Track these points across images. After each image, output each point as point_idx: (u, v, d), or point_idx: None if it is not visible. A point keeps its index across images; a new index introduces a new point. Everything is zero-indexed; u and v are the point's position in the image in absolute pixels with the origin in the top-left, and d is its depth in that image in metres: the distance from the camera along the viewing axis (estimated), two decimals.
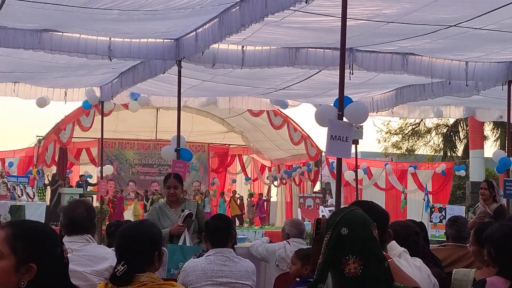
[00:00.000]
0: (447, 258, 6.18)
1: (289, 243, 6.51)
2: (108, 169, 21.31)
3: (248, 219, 31.58)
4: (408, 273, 3.16)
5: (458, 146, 35.22)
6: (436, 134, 35.51)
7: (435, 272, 3.94)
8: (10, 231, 2.60)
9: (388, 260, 2.80)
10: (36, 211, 23.81)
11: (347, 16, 8.02)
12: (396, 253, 3.75)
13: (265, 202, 32.49)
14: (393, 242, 3.76)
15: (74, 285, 2.69)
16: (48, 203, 24.94)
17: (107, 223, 25.19)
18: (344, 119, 6.73)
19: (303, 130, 29.51)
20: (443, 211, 26.51)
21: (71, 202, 4.80)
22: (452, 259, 6.20)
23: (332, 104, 7.02)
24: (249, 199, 32.05)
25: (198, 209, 7.34)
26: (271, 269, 6.50)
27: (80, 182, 27.33)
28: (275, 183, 34.41)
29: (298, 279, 5.51)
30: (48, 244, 2.59)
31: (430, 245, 11.20)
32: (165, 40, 10.55)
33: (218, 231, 4.82)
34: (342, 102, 6.69)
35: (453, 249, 6.30)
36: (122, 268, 3.39)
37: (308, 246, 6.54)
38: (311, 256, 2.89)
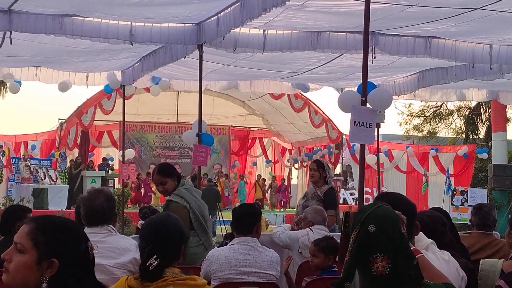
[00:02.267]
0: (472, 246, 6.12)
1: (312, 230, 6.47)
2: (130, 153, 21.37)
3: (269, 202, 31.57)
4: (436, 267, 3.11)
5: (480, 129, 34.92)
6: (458, 116, 35.20)
7: (462, 263, 3.89)
8: (33, 225, 2.59)
9: (417, 256, 2.75)
10: (58, 194, 24.03)
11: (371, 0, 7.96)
12: (424, 245, 3.70)
13: (286, 188, 32.50)
14: (421, 234, 3.70)
15: (99, 282, 2.67)
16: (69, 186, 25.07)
17: (128, 206, 25.40)
18: (368, 105, 6.67)
19: (324, 113, 29.43)
20: (465, 194, 26.37)
21: (90, 192, 4.72)
22: (477, 247, 6.15)
23: (355, 90, 6.93)
24: (273, 182, 32.02)
25: (170, 206, 6.42)
26: (295, 256, 6.46)
27: (103, 165, 27.45)
28: (296, 165, 34.38)
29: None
30: (71, 239, 2.57)
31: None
32: (186, 25, 10.50)
33: (244, 219, 4.78)
34: (365, 88, 6.63)
35: (478, 237, 6.24)
36: (156, 262, 3.28)
37: (328, 234, 6.53)
38: (339, 249, 2.85)
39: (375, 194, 18.38)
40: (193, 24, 10.49)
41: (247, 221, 4.77)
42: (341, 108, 6.95)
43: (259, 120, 33.39)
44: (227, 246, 4.72)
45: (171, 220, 3.48)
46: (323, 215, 6.60)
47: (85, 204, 4.59)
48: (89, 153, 29.24)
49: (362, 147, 6.82)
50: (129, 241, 4.51)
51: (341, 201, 26.59)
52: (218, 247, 5.47)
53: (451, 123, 35.70)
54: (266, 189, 31.81)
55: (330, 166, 9.10)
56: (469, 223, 6.56)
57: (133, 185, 28.68)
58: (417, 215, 4.21)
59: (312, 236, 6.35)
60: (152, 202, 27.05)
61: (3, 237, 5.68)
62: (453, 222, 5.63)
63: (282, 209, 30.66)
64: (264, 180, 31.99)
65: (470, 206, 26.03)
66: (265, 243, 6.69)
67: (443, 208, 21.33)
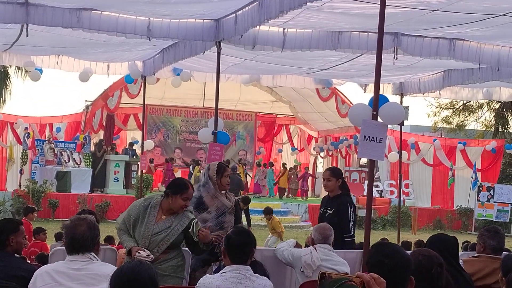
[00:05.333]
0: (481, 270, 5.94)
1: (315, 249, 6.30)
2: (149, 144, 21.37)
3: (287, 188, 31.16)
4: None
5: (510, 123, 34.36)
6: (488, 109, 34.66)
7: None
8: None
9: None
10: (81, 177, 24.16)
11: (390, 4, 7.75)
12: None
13: (310, 177, 32.23)
14: None
15: None
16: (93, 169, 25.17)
17: (153, 190, 25.45)
18: (379, 119, 6.48)
19: (351, 103, 29.14)
20: (491, 190, 26.05)
21: (73, 219, 4.61)
22: (486, 272, 5.95)
23: (367, 103, 6.75)
24: (296, 170, 31.75)
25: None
26: (296, 275, 6.30)
27: (128, 150, 27.46)
28: (322, 154, 34.19)
29: None
30: None
31: (468, 243, 10.86)
32: (204, 21, 10.35)
33: (240, 248, 4.63)
34: (377, 101, 6.45)
35: (487, 261, 6.04)
36: None
37: (333, 253, 6.35)
38: None
39: (400, 187, 18.11)
40: (212, 20, 10.33)
41: (244, 251, 4.63)
42: (352, 121, 6.77)
43: (286, 107, 33.18)
44: (219, 274, 4.58)
45: (143, 270, 3.34)
46: (323, 234, 6.41)
47: (66, 233, 4.51)
48: (115, 136, 29.29)
49: (372, 161, 6.64)
50: (110, 267, 4.41)
51: (364, 193, 26.33)
52: None
53: (481, 116, 35.18)
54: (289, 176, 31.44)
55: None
56: (479, 243, 6.31)
57: (158, 168, 28.73)
58: (413, 255, 4.06)
59: (315, 256, 6.20)
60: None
61: None
62: (458, 251, 5.45)
63: (304, 198, 30.38)
64: (292, 168, 31.68)
65: (496, 202, 25.75)
66: (267, 258, 6.58)
67: (468, 205, 20.92)
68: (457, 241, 5.58)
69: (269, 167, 31.17)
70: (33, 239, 11.40)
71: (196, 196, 6.91)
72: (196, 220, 6.14)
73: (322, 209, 8.31)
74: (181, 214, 6.10)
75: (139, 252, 5.75)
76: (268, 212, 16.34)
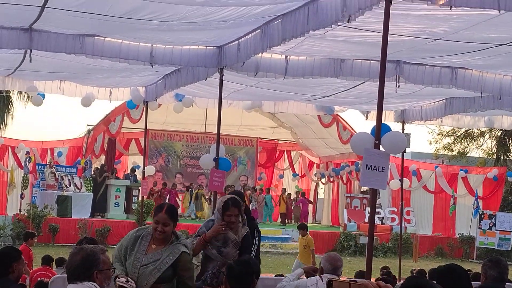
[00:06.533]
0: None
1: (322, 280, 6.21)
2: (151, 170, 21.35)
3: (290, 215, 30.93)
4: None
5: None
6: (490, 137, 34.69)
7: None
8: None
9: None
10: (82, 202, 24.07)
11: (392, 33, 7.77)
12: None
13: (309, 204, 32.07)
14: None
15: None
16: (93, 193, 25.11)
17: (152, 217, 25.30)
18: (381, 148, 6.47)
19: (352, 129, 29.14)
20: (493, 218, 25.97)
21: (74, 249, 4.60)
22: None
23: (369, 132, 6.74)
24: (297, 197, 31.55)
25: (181, 258, 5.73)
26: None
27: (130, 175, 27.43)
28: (323, 180, 34.12)
29: None
30: None
31: (470, 272, 10.74)
32: (207, 48, 10.40)
33: (242, 278, 4.57)
34: (379, 130, 6.44)
35: None
36: None
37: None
38: None
39: (402, 214, 18.02)
40: (214, 47, 10.38)
41: (245, 280, 4.59)
42: (354, 150, 6.77)
43: (287, 133, 33.20)
44: None
45: None
46: (334, 264, 6.29)
47: (67, 261, 4.50)
48: (116, 161, 29.27)
49: (374, 191, 6.62)
50: None
51: (366, 220, 26.27)
52: None
53: (482, 144, 35.20)
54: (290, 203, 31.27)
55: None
56: (482, 274, 6.27)
57: (157, 193, 28.66)
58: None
59: (321, 286, 6.10)
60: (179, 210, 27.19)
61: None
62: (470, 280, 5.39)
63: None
64: (289, 194, 31.59)
65: (498, 230, 25.66)
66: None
67: (470, 233, 20.67)
68: (468, 275, 5.49)
69: (265, 193, 31.01)
70: (42, 266, 11.27)
71: (211, 219, 6.84)
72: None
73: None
74: (172, 246, 5.72)
75: (118, 278, 5.48)
76: (302, 227, 15.97)
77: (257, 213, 30.18)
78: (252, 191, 30.25)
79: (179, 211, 27.02)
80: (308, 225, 29.73)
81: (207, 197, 28.26)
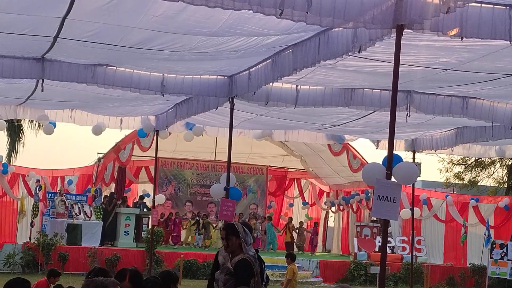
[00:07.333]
0: None
1: None
2: (161, 198, 21.37)
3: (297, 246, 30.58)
4: None
5: None
6: (501, 166, 34.53)
7: None
8: None
9: None
10: (91, 230, 24.03)
11: (403, 63, 7.78)
12: None
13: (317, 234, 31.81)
14: None
15: None
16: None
17: (161, 245, 25.30)
18: (393, 178, 6.44)
19: (362, 158, 29.11)
20: (505, 247, 25.71)
21: (85, 280, 4.56)
22: None
23: (380, 161, 6.72)
24: (301, 226, 31.21)
25: None
26: None
27: (138, 203, 27.42)
28: (333, 209, 33.99)
29: None
30: None
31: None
32: (218, 77, 10.45)
33: None
34: (391, 160, 6.41)
35: None
36: None
37: None
38: None
39: (413, 243, 17.94)
40: (225, 77, 10.43)
41: None
42: (365, 180, 6.74)
43: (297, 161, 33.16)
44: None
45: None
46: None
47: None
48: (126, 189, 29.29)
49: (385, 220, 6.58)
50: None
51: (376, 249, 26.10)
52: None
53: (493, 173, 35.03)
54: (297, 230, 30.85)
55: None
56: None
57: (165, 223, 28.62)
58: None
59: None
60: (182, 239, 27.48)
61: None
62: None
63: (311, 253, 29.64)
64: (301, 223, 31.27)
65: (510, 260, 25.42)
66: None
67: (481, 262, 20.62)
68: None
69: (267, 221, 30.66)
70: None
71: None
72: None
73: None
74: None
75: None
76: (290, 256, 15.76)
77: (260, 242, 29.99)
78: (256, 220, 29.88)
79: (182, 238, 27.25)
80: (317, 254, 29.76)
81: (214, 225, 28.23)
